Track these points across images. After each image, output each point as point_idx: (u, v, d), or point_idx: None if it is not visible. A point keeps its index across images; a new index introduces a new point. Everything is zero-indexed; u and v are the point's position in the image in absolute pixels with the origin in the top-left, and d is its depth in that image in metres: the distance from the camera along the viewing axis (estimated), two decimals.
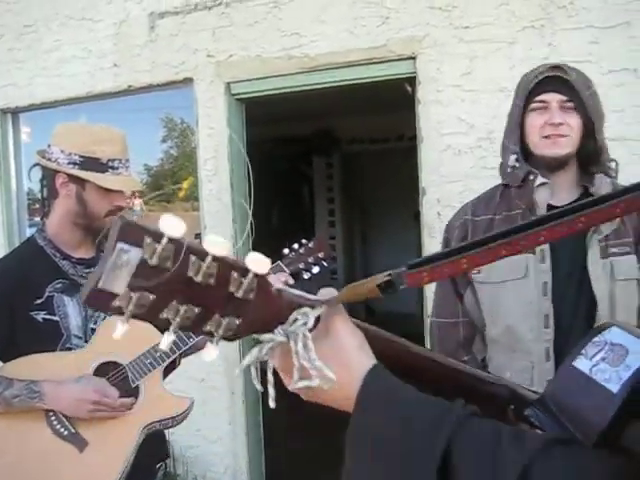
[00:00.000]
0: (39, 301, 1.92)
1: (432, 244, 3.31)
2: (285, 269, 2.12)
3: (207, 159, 3.74)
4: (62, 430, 1.88)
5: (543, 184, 1.85)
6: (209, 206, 3.76)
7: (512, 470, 0.66)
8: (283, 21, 3.50)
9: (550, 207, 1.84)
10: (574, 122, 1.83)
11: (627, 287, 1.81)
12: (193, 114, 3.83)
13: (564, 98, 1.82)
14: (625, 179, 2.85)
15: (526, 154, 1.90)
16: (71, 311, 1.96)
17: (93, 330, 1.98)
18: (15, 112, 4.51)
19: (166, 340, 0.66)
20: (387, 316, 7.74)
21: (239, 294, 0.65)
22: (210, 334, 0.67)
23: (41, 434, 1.87)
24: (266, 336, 0.73)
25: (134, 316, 0.62)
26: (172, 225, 0.60)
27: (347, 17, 3.37)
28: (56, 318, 1.93)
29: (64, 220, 2.01)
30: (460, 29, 3.17)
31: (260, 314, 0.69)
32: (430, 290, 3.33)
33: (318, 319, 0.75)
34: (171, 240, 0.60)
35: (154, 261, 0.60)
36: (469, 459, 0.69)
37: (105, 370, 1.94)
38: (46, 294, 1.93)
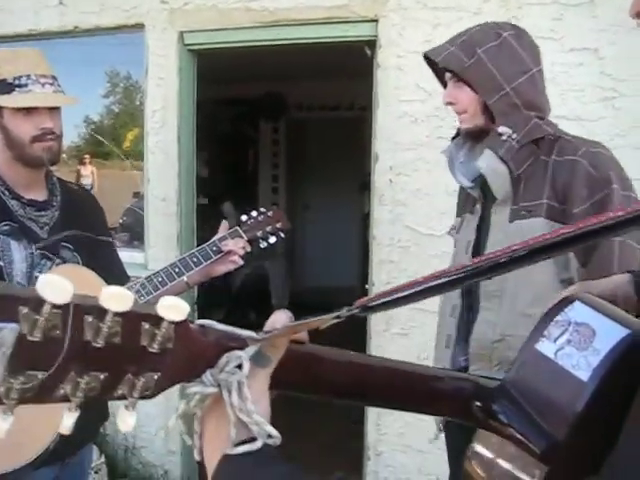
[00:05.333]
0: None
1: (382, 212, 3.27)
2: (243, 235, 2.11)
3: (155, 110, 3.59)
4: None
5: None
6: (154, 159, 3.62)
7: None
8: None
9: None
10: (464, 97, 1.78)
11: None
12: (141, 67, 3.66)
13: (449, 75, 1.82)
14: None
15: None
16: (17, 257, 1.83)
17: (37, 278, 1.86)
18: None
19: (66, 423, 0.54)
20: (327, 290, 7.74)
21: (154, 348, 0.56)
22: (123, 398, 0.56)
23: None
24: (193, 388, 0.62)
25: (22, 402, 0.51)
26: (55, 287, 0.49)
27: None
28: (0, 263, 1.81)
29: (4, 156, 1.88)
30: None
31: (183, 362, 0.59)
32: (377, 258, 3.31)
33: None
34: (56, 306, 0.50)
35: (37, 335, 0.49)
36: None
37: None
38: None
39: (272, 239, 2.18)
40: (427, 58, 1.89)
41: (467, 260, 1.78)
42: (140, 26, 3.60)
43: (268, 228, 2.16)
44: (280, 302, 6.45)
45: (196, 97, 3.69)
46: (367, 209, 7.78)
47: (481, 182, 1.82)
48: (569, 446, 0.66)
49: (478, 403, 0.76)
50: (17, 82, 1.79)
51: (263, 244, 2.18)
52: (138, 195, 5.23)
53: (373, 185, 3.31)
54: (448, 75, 1.81)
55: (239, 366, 0.62)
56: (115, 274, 2.06)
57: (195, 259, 2.01)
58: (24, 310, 0.49)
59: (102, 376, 0.54)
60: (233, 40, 3.46)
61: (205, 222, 3.92)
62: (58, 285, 0.50)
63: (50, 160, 1.89)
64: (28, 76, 1.80)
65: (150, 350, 0.55)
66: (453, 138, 1.96)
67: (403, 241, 3.25)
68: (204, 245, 2.05)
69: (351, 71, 5.45)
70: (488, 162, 1.74)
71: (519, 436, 0.70)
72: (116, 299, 0.53)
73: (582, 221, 0.59)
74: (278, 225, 2.18)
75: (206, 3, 3.44)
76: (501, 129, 1.72)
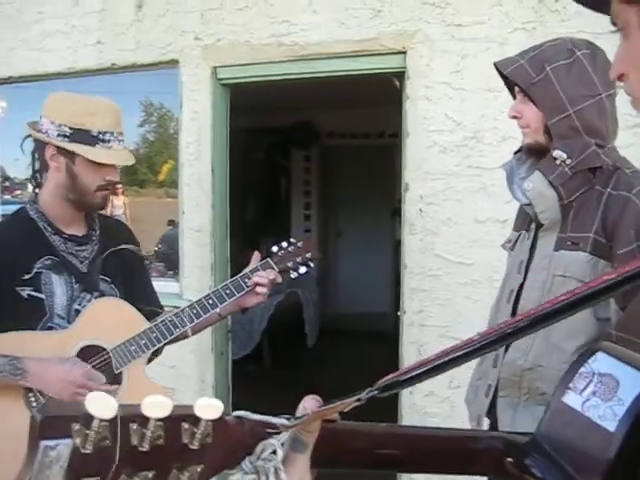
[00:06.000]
0: (27, 277, 1.86)
1: (413, 241, 3.29)
2: (274, 267, 2.13)
3: (189, 143, 3.68)
4: None
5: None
6: (189, 191, 3.70)
7: None
8: (274, 7, 3.46)
9: None
10: (529, 111, 1.74)
11: (564, 285, 1.65)
12: (175, 98, 3.77)
13: (518, 89, 1.77)
14: None
15: None
16: (58, 290, 1.90)
17: (77, 311, 1.92)
18: None
19: None
20: (359, 317, 7.75)
21: (194, 445, 0.61)
22: None
23: (18, 415, 1.79)
24: (234, 476, 0.67)
25: None
26: (101, 404, 0.55)
27: (338, 8, 3.34)
28: (42, 296, 1.87)
29: (55, 194, 1.95)
30: (452, 26, 3.16)
31: (222, 453, 0.64)
32: (408, 286, 3.33)
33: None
34: (104, 420, 0.56)
35: (89, 447, 0.55)
36: None
37: (88, 353, 1.88)
38: (34, 270, 1.87)
39: (302, 269, 2.19)
40: (498, 69, 1.84)
41: (519, 279, 1.76)
42: (175, 62, 3.71)
43: (298, 259, 2.18)
44: (312, 330, 6.47)
45: (229, 128, 3.78)
46: (398, 236, 7.83)
47: None
48: None
49: (510, 459, 0.77)
50: (101, 137, 1.89)
51: (294, 274, 2.20)
52: (173, 223, 5.33)
53: (404, 214, 3.34)
54: (517, 88, 1.78)
55: (274, 452, 0.66)
56: (149, 306, 2.11)
57: (228, 291, 2.05)
58: (76, 427, 0.55)
59: (150, 474, 0.59)
60: (265, 74, 3.55)
61: (239, 250, 3.99)
62: (104, 401, 0.55)
63: (102, 205, 2.01)
64: (112, 133, 1.91)
65: (191, 447, 0.61)
66: (516, 153, 1.91)
67: (434, 269, 3.27)
68: (237, 277, 2.09)
69: (381, 100, 5.52)
70: (535, 185, 1.70)
71: None
72: (157, 407, 0.58)
73: (622, 266, 0.60)
74: (308, 255, 2.20)
75: (239, 39, 3.53)
76: (556, 153, 1.68)
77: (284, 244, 2.20)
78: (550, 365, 1.68)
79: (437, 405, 3.23)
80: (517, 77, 1.73)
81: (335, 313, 8.04)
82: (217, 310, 2.06)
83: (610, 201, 1.65)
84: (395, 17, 3.24)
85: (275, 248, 2.18)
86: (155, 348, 1.96)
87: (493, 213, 3.16)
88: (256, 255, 2.14)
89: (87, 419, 0.55)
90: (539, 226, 1.77)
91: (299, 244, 2.20)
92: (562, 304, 0.64)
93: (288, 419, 0.69)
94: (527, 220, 1.87)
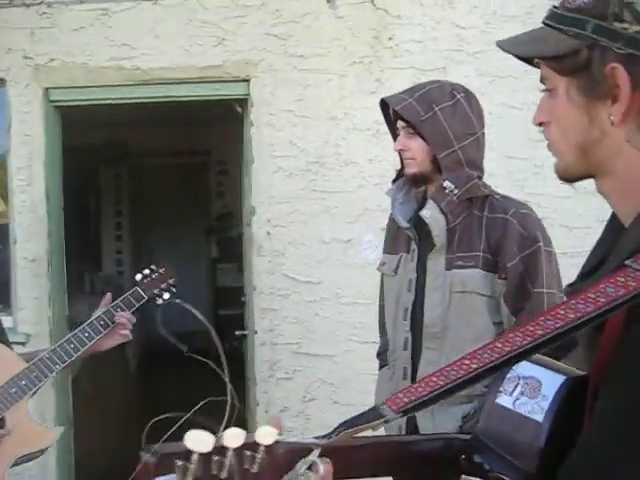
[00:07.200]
0: None
1: (262, 263, 3.40)
2: (144, 295, 2.15)
3: (20, 168, 3.47)
4: None
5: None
6: (21, 219, 3.48)
7: None
8: (113, 30, 3.38)
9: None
10: (416, 146, 1.94)
11: (464, 299, 1.91)
12: (3, 119, 3.53)
13: (403, 124, 1.96)
14: None
15: None
16: None
17: None
18: None
19: None
20: (179, 337, 7.61)
21: (254, 469, 0.71)
22: None
23: None
24: None
25: None
26: (200, 440, 0.65)
27: (182, 34, 3.36)
28: None
29: None
30: (295, 57, 3.33)
31: (273, 473, 0.73)
32: (258, 307, 3.42)
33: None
34: (202, 454, 0.66)
35: None
36: None
37: None
38: None
39: (166, 295, 2.24)
40: (382, 103, 2.02)
41: (411, 297, 1.93)
42: (1, 81, 3.48)
43: (163, 285, 2.22)
44: (135, 352, 6.30)
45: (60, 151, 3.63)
46: (214, 254, 7.85)
47: (415, 224, 1.98)
48: (541, 475, 0.84)
49: (463, 456, 0.93)
50: None
51: (159, 301, 2.23)
52: None
53: (251, 237, 3.43)
54: (401, 123, 1.95)
55: (309, 467, 0.76)
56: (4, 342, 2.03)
57: (102, 322, 2.04)
58: (179, 462, 0.66)
59: None
60: (104, 97, 3.47)
61: None
62: (202, 438, 0.66)
63: None
64: None
65: (252, 471, 0.71)
66: (394, 180, 2.10)
67: (283, 289, 3.40)
68: (92, 319, 2.08)
69: (195, 119, 5.54)
70: (432, 212, 1.91)
71: (502, 476, 0.88)
72: (235, 437, 0.68)
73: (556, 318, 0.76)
74: (171, 281, 2.25)
75: (74, 60, 3.41)
76: (446, 184, 1.89)
77: (146, 271, 2.22)
78: None
79: (292, 419, 3.35)
80: (407, 114, 1.91)
81: (156, 333, 7.85)
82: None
83: (490, 223, 1.92)
84: (239, 46, 3.34)
85: (139, 276, 2.20)
86: (37, 387, 1.90)
87: (337, 234, 3.37)
88: (107, 296, 2.15)
89: (188, 455, 0.65)
90: (429, 248, 1.97)
91: (161, 271, 2.24)
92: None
93: (318, 438, 0.79)
94: (406, 242, 2.06)
